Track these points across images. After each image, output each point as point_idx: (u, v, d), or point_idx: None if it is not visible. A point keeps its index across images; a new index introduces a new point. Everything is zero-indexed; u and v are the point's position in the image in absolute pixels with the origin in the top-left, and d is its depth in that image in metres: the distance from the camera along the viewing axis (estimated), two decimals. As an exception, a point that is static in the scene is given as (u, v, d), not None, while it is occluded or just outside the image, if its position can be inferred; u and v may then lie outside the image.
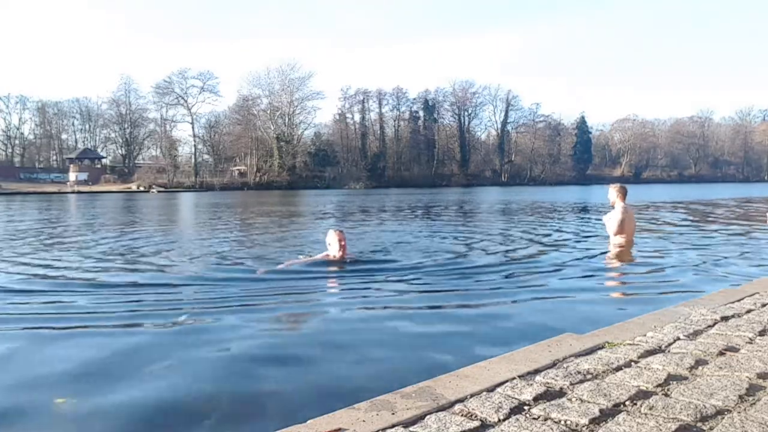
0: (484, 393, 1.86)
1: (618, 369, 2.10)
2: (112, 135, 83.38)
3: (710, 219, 13.74)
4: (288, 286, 4.91)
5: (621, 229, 7.46)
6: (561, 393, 1.87)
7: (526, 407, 1.75)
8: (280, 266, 5.78)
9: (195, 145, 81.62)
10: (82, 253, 7.64)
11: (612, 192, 7.55)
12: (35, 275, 5.79)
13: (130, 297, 4.57)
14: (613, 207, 7.60)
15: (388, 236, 9.72)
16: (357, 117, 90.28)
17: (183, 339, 3.34)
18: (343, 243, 5.82)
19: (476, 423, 1.64)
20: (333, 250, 5.85)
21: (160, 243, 8.72)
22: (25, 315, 4.07)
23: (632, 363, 2.16)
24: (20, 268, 6.31)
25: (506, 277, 5.49)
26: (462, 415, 1.69)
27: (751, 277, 5.14)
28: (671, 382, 1.95)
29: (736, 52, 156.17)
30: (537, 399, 1.81)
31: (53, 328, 3.69)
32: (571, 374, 2.03)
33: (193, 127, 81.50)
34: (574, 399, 1.81)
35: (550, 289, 4.83)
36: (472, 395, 1.84)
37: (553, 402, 1.78)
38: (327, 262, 5.83)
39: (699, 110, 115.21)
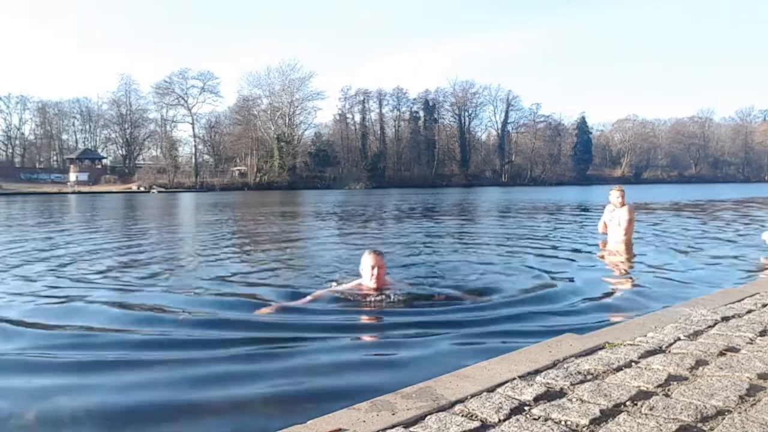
0: (485, 393, 1.86)
1: (618, 369, 2.09)
2: (113, 135, 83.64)
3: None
4: (293, 333, 3.52)
5: (621, 229, 7.56)
6: (561, 393, 1.87)
7: (526, 407, 1.75)
8: (301, 301, 4.37)
9: (195, 146, 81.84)
10: (53, 270, 6.17)
11: (615, 194, 7.72)
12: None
13: (88, 348, 3.30)
14: (614, 207, 7.71)
15: (422, 252, 7.68)
16: (357, 117, 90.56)
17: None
18: (377, 270, 4.44)
19: (476, 423, 1.64)
20: (366, 279, 4.52)
21: (149, 260, 6.99)
22: None
23: (633, 363, 2.16)
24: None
25: (506, 276, 5.48)
26: (462, 416, 1.69)
27: (751, 278, 5.14)
28: (672, 382, 1.95)
29: (737, 52, 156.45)
30: (537, 399, 1.81)
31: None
32: (571, 374, 2.03)
33: (193, 128, 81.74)
34: (574, 399, 1.81)
35: (549, 289, 4.83)
36: (472, 395, 1.84)
37: (553, 402, 1.78)
38: (358, 295, 4.44)
39: (699, 110, 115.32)
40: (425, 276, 5.61)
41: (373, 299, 4.33)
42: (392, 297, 4.35)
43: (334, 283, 4.94)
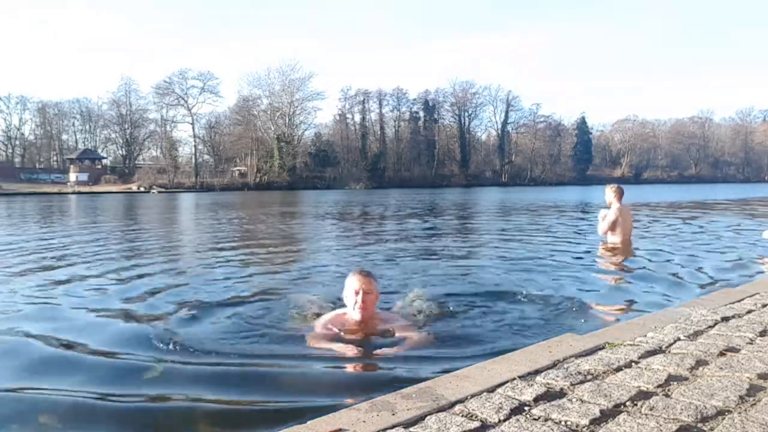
0: (485, 393, 1.86)
1: (618, 369, 2.09)
2: (113, 135, 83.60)
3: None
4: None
5: (613, 228, 7.54)
6: (561, 393, 1.87)
7: (526, 408, 1.75)
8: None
9: (195, 146, 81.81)
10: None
11: (608, 192, 7.65)
12: None
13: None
14: (609, 207, 7.67)
15: (433, 264, 6.64)
16: (357, 117, 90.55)
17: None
18: (362, 297, 3.36)
19: (476, 423, 1.64)
20: (349, 308, 3.45)
21: (138, 269, 6.21)
22: None
23: (633, 363, 2.16)
24: None
25: (506, 277, 5.48)
26: (462, 416, 1.69)
27: (751, 278, 5.14)
28: (672, 382, 1.95)
29: (736, 52, 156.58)
30: (537, 399, 1.81)
31: None
32: (571, 375, 2.03)
33: (193, 128, 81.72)
34: (574, 399, 1.81)
35: (549, 289, 4.83)
36: (472, 396, 1.84)
37: (553, 402, 1.78)
38: (339, 329, 3.39)
39: (699, 110, 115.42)
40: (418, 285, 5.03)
41: (353, 340, 3.27)
42: (381, 331, 3.36)
43: (313, 309, 3.95)
